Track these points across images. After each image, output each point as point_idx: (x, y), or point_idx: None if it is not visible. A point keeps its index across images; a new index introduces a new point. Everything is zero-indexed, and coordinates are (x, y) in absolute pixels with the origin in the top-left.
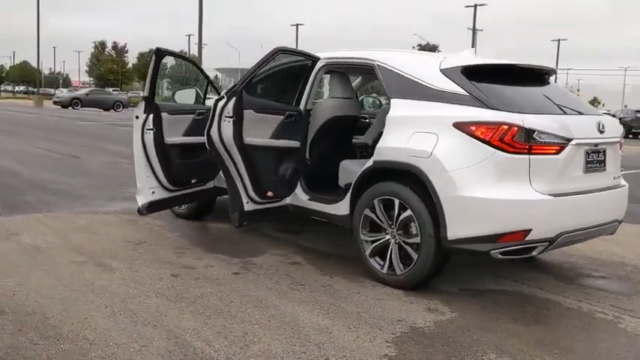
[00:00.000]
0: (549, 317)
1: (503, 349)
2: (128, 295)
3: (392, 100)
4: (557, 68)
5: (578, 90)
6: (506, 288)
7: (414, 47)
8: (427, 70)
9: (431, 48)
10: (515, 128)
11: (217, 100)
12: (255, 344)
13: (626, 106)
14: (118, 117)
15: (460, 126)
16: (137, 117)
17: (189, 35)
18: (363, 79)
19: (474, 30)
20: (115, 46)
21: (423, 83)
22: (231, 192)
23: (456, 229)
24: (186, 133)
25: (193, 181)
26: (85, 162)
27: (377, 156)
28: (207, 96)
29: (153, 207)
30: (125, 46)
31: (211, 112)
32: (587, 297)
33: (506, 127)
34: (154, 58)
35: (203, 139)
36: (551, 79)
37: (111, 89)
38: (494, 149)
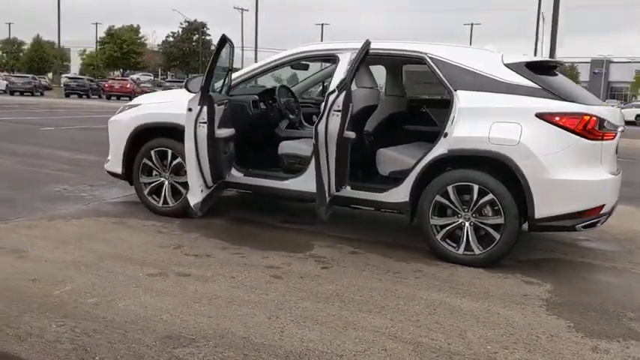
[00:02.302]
0: (613, 278)
1: (628, 307)
2: (278, 302)
3: (458, 92)
4: None
5: None
6: (548, 257)
7: (181, 23)
8: (492, 64)
9: (198, 25)
10: (595, 119)
11: (329, 94)
12: (464, 332)
13: None
14: None
15: (544, 116)
16: (190, 109)
17: None
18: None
19: (257, 14)
20: None
21: (491, 77)
22: (319, 186)
23: (545, 208)
24: (219, 126)
25: (227, 175)
26: None
27: (451, 145)
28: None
29: (203, 206)
30: None
31: (323, 106)
32: (606, 258)
33: (587, 117)
34: (217, 46)
35: (231, 131)
36: None
37: None
38: (577, 137)
